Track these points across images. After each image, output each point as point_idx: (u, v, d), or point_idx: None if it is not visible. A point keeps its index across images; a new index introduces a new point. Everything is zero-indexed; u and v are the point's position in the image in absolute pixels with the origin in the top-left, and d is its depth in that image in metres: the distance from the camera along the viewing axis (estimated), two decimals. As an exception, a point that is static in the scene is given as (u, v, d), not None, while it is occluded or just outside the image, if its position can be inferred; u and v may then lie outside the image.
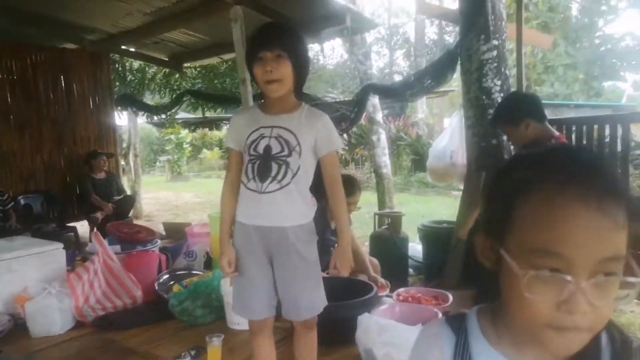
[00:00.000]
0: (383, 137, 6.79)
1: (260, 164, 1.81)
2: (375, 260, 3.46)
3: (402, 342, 2.12)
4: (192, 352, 2.52)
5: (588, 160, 0.58)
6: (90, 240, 3.80)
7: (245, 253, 1.88)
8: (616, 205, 0.55)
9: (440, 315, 2.63)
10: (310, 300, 1.88)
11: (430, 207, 7.99)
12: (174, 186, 13.40)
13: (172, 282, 3.25)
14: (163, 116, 8.16)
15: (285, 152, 1.79)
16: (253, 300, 1.89)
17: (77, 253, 4.08)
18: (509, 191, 0.59)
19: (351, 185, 3.09)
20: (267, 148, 1.80)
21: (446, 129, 4.79)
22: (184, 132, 16.10)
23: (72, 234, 5.39)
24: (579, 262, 0.54)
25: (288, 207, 1.80)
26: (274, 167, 1.79)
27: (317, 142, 1.82)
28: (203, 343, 2.49)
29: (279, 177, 1.79)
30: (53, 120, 5.84)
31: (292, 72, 1.74)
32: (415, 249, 4.46)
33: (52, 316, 2.82)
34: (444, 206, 7.83)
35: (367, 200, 7.35)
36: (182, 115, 13.83)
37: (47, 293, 2.88)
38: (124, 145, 9.61)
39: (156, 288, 3.24)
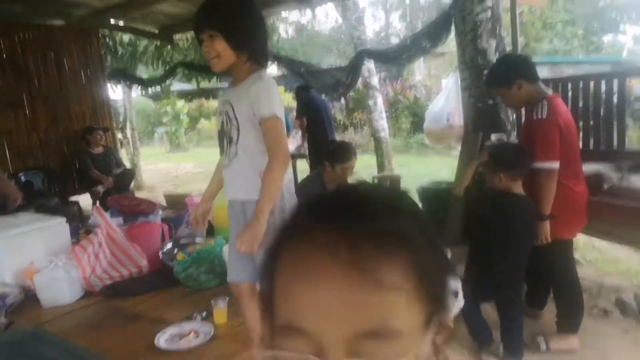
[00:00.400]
0: (379, 101, 6.76)
1: (220, 141, 1.89)
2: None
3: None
4: (203, 314, 2.62)
5: (358, 199, 0.42)
6: (93, 214, 3.86)
7: (230, 222, 1.98)
8: (383, 257, 0.38)
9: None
10: (236, 263, 1.90)
11: (431, 168, 8.03)
12: (173, 157, 13.41)
13: (176, 251, 3.33)
14: (157, 88, 8.08)
15: (228, 127, 1.81)
16: (230, 264, 1.99)
17: (80, 226, 4.14)
18: (272, 247, 0.44)
19: (346, 151, 3.11)
20: (221, 124, 1.86)
21: (442, 91, 4.77)
22: (180, 104, 15.96)
23: (75, 208, 5.45)
24: (329, 340, 0.37)
25: (236, 181, 1.84)
26: (225, 142, 1.84)
27: (253, 109, 1.73)
28: (209, 306, 2.58)
29: (228, 152, 1.83)
30: (46, 97, 5.80)
31: (228, 47, 1.72)
32: (415, 210, 4.53)
33: (60, 287, 2.90)
34: (444, 166, 7.86)
35: (367, 163, 7.39)
36: (177, 86, 13.69)
37: (54, 266, 2.95)
38: (121, 119, 9.57)
39: (160, 257, 3.31)
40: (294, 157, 5.75)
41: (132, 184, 6.22)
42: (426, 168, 8.11)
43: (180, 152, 14.65)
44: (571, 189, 2.22)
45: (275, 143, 1.72)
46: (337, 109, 12.29)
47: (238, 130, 1.78)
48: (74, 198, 5.70)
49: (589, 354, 2.36)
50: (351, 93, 11.56)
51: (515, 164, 2.19)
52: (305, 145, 5.81)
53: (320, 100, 5.72)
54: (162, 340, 2.36)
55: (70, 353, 1.56)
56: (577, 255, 3.50)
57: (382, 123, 6.73)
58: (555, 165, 2.15)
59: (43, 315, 2.79)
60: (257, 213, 1.69)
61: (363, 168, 6.76)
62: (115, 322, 2.68)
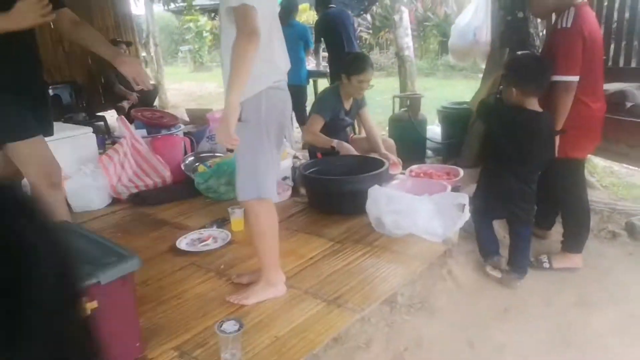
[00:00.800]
0: (405, 16, 6.42)
1: None
2: (390, 141, 3.53)
3: (408, 209, 2.27)
4: (220, 221, 2.77)
5: None
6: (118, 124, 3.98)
7: None
8: None
9: (449, 188, 2.74)
10: (239, 181, 1.88)
11: (456, 91, 7.81)
12: (197, 77, 13.36)
13: (197, 164, 3.45)
14: (179, 1, 7.91)
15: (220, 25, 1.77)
16: (236, 184, 1.99)
17: (106, 138, 4.29)
18: None
19: (363, 62, 3.05)
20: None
21: (471, 4, 4.53)
22: (203, 20, 15.58)
23: (102, 123, 5.60)
24: None
25: (224, 82, 1.74)
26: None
27: (226, 1, 1.63)
28: (227, 215, 2.72)
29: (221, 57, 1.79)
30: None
31: None
32: (435, 131, 4.49)
33: (89, 193, 3.08)
34: (469, 89, 7.64)
35: (391, 85, 7.23)
36: (199, 0, 13.34)
37: (83, 173, 3.12)
38: (144, 35, 9.48)
39: (182, 169, 3.44)
40: (313, 75, 5.66)
41: (156, 101, 6.30)
42: (452, 91, 7.89)
43: (204, 71, 14.55)
44: (587, 105, 2.16)
45: (240, 22, 1.60)
46: (363, 27, 11.82)
47: (221, 25, 1.74)
48: (100, 113, 5.84)
49: (590, 272, 2.42)
50: (378, 9, 11.06)
51: (530, 79, 2.11)
52: (322, 63, 5.68)
53: (342, 16, 5.47)
54: (184, 243, 2.53)
55: (99, 245, 1.69)
56: (593, 179, 3.48)
57: (407, 40, 6.45)
58: (574, 79, 2.08)
59: (74, 218, 2.97)
60: (226, 98, 1.62)
61: (386, 90, 6.63)
62: (141, 227, 2.86)
